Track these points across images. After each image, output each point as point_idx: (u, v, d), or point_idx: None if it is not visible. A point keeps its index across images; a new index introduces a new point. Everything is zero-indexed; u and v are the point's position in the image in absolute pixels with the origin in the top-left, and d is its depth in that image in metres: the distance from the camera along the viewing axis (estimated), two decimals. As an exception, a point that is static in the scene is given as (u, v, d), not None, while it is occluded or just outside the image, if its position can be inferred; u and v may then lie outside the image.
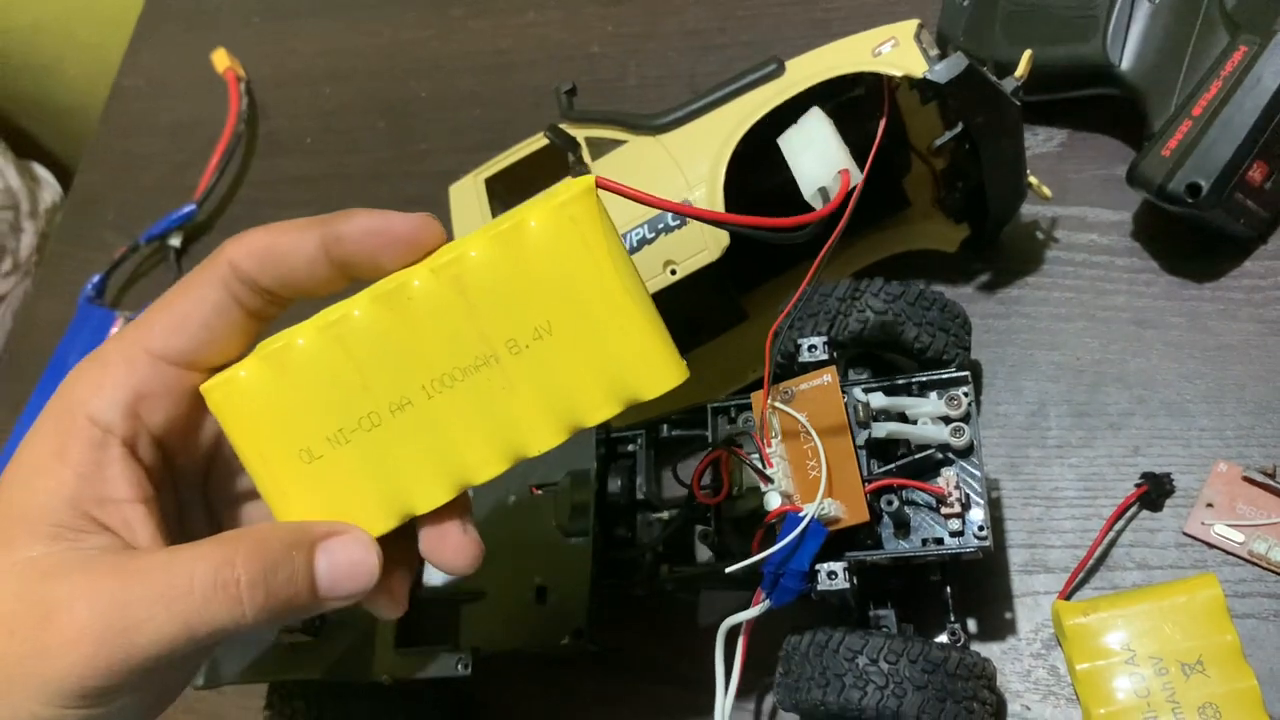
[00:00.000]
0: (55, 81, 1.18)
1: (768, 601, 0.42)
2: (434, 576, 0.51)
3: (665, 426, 0.51)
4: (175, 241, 0.77)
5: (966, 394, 0.44)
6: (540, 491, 0.51)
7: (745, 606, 0.48)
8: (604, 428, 0.51)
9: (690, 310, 0.57)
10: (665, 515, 0.50)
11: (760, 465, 0.44)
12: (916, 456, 0.44)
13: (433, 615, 0.50)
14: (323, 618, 0.49)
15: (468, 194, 0.52)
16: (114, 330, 0.72)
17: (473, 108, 0.74)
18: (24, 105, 1.21)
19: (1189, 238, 0.54)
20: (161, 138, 0.85)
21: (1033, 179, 0.52)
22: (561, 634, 0.47)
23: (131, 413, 0.33)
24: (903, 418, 0.45)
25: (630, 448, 0.52)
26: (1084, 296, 0.55)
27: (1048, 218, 0.57)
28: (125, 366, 0.33)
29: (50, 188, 1.14)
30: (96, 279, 0.75)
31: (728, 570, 0.41)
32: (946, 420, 0.44)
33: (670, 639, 0.54)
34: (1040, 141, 0.59)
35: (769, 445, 0.45)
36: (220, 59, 0.80)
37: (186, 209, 0.76)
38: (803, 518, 0.41)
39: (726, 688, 0.44)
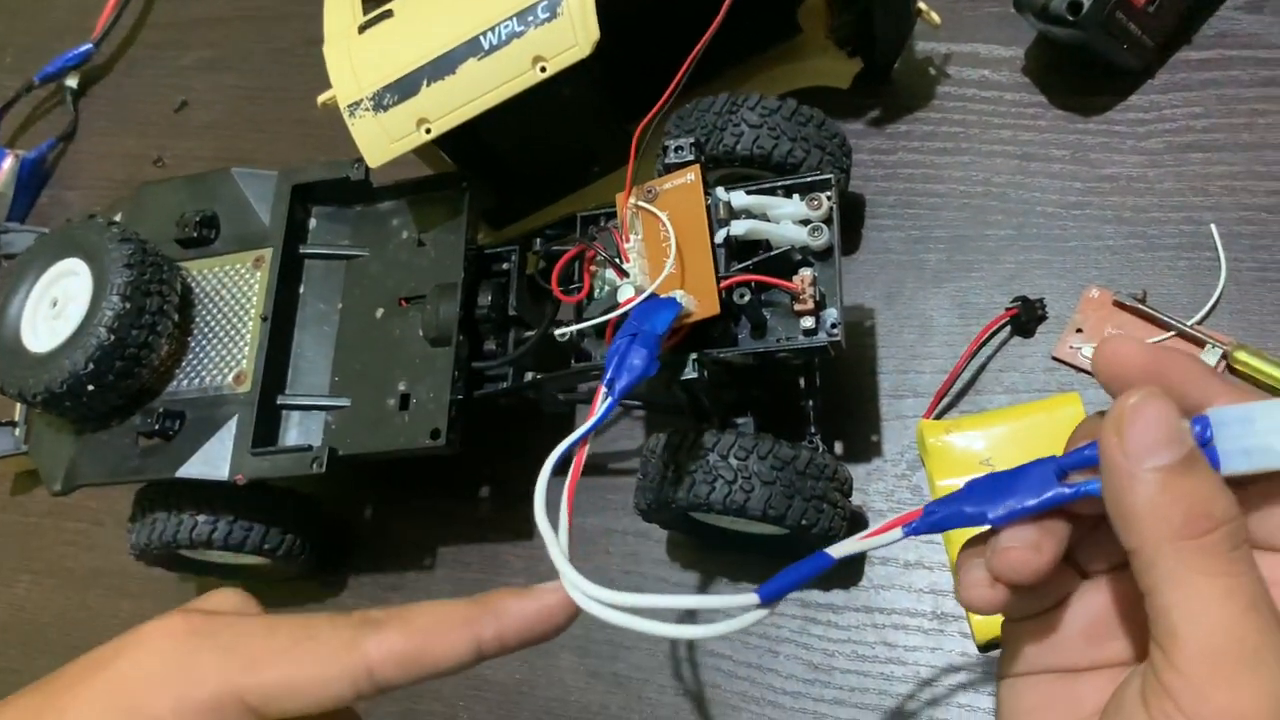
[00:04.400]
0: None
1: (604, 408, 0.37)
2: (298, 385, 0.50)
3: (538, 240, 0.51)
4: (72, 82, 0.75)
5: (829, 196, 0.44)
6: (408, 305, 0.50)
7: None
8: (474, 242, 0.50)
9: (581, 142, 0.56)
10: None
11: (618, 261, 0.44)
12: (773, 253, 0.43)
13: (294, 423, 0.50)
14: (181, 419, 0.49)
15: (341, -4, 0.51)
16: (5, 165, 0.70)
17: (379, -51, 0.72)
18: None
19: (1077, 72, 0.53)
20: (64, -19, 0.82)
21: (921, 5, 0.51)
22: (421, 437, 0.47)
23: None
24: (765, 219, 0.44)
25: (504, 265, 0.51)
26: (971, 131, 0.54)
27: (941, 54, 0.56)
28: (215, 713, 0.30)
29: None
30: (-10, 117, 0.74)
31: (558, 334, 0.41)
32: (807, 223, 0.44)
33: (541, 459, 0.54)
34: (939, -21, 0.58)
35: (627, 242, 0.44)
36: (124, -102, 0.78)
37: (82, 48, 0.74)
38: (648, 292, 0.40)
39: (557, 530, 0.33)
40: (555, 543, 0.32)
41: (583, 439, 0.35)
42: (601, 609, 0.30)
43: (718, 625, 0.31)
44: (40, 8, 0.82)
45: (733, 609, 0.30)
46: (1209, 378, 0.28)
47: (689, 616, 0.47)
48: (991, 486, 0.29)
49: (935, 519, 0.30)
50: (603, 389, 0.37)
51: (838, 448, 0.50)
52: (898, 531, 0.30)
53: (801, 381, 0.49)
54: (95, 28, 0.76)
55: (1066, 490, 0.28)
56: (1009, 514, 0.28)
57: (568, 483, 0.34)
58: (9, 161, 0.70)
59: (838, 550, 0.31)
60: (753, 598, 0.30)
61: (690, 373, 0.42)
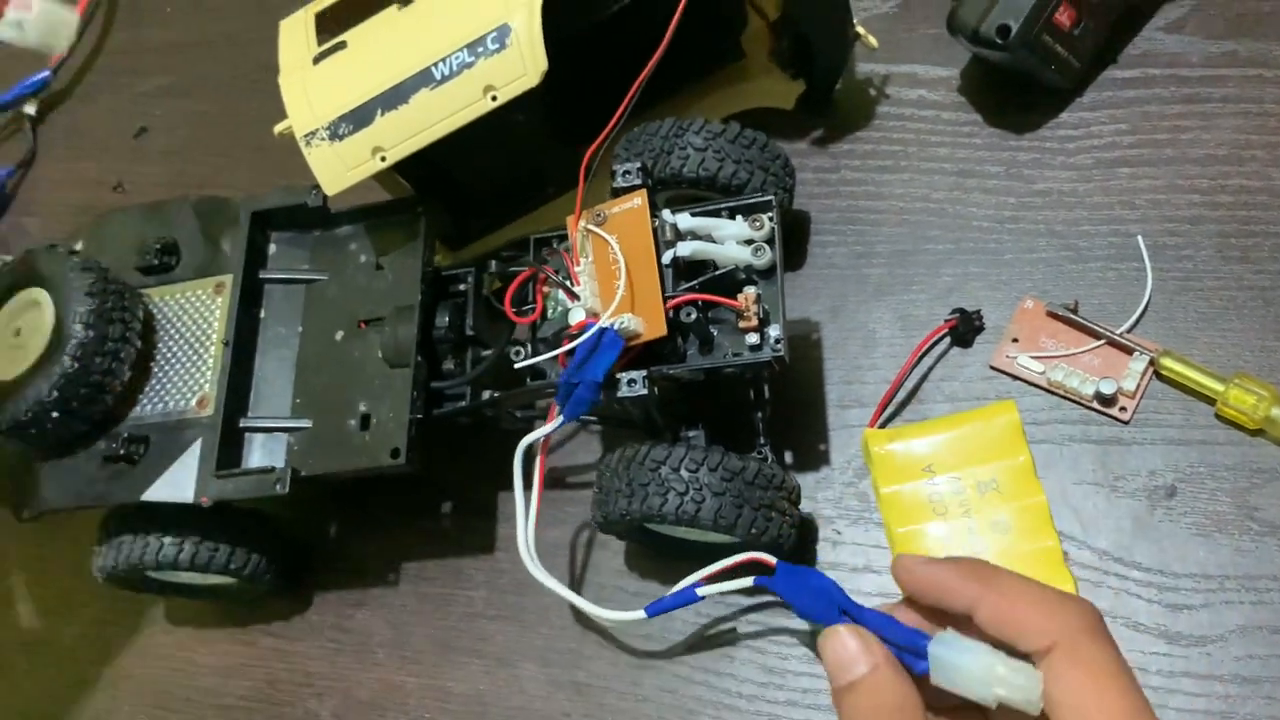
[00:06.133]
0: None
1: (561, 416, 0.43)
2: (260, 407, 0.51)
3: (494, 263, 0.52)
4: (30, 109, 0.75)
5: (770, 217, 0.46)
6: (367, 327, 0.51)
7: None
8: (430, 264, 0.52)
9: (534, 165, 0.57)
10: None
11: (569, 284, 0.45)
12: (717, 273, 0.45)
13: (257, 446, 0.51)
14: (145, 444, 0.50)
15: (296, 27, 0.52)
16: None
17: (334, -26, 0.74)
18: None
19: (1010, 91, 0.55)
20: (21, 9, 0.83)
21: (859, 28, 0.53)
22: (381, 456, 0.48)
23: None
24: (710, 240, 0.46)
25: (461, 286, 0.53)
26: (910, 149, 0.56)
27: (880, 75, 0.58)
28: None
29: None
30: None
31: (516, 366, 0.42)
32: (750, 243, 0.46)
33: (503, 477, 0.55)
34: (878, 2, 0.60)
35: (577, 265, 0.45)
36: (80, -72, 0.79)
37: (40, 75, 0.74)
38: (597, 326, 0.42)
39: (527, 504, 0.46)
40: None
41: (545, 436, 0.43)
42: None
43: (629, 614, 0.44)
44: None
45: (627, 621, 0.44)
46: (971, 585, 0.34)
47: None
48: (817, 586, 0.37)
49: (778, 586, 0.38)
50: (555, 405, 0.40)
51: (787, 457, 0.52)
52: (749, 580, 0.39)
53: (751, 394, 0.51)
54: (53, 55, 0.76)
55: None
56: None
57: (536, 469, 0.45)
58: None
59: (704, 590, 0.42)
60: (641, 614, 0.43)
61: (640, 389, 0.43)
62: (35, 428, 0.49)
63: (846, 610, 0.37)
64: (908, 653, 0.34)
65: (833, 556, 0.50)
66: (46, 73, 0.74)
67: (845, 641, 0.35)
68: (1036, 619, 0.33)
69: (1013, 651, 0.33)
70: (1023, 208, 0.54)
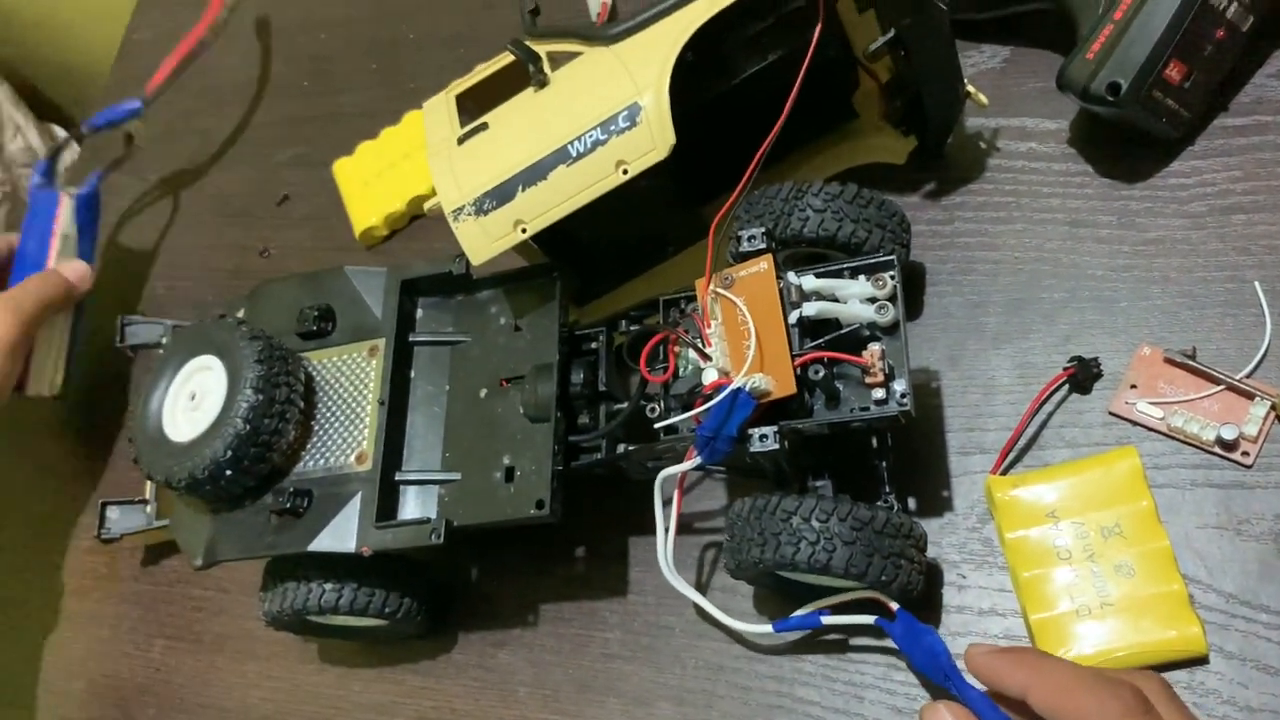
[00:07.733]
0: (73, 45, 1.22)
1: (699, 458, 0.46)
2: (412, 461, 0.55)
3: (624, 322, 0.55)
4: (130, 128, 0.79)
5: (892, 276, 0.48)
6: (509, 384, 0.55)
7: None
8: (566, 325, 0.55)
9: (655, 226, 0.61)
10: (625, 405, 0.54)
11: (700, 345, 0.48)
12: (843, 332, 0.47)
13: (411, 497, 0.54)
14: (309, 497, 0.54)
15: (439, 109, 0.56)
16: (62, 206, 0.73)
17: (458, 47, 0.78)
18: (45, 70, 1.26)
19: (1120, 142, 0.57)
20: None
21: (970, 87, 0.55)
22: (527, 507, 0.51)
23: None
24: (834, 299, 0.48)
25: (593, 345, 0.56)
26: (1022, 200, 0.58)
27: (990, 129, 0.60)
28: None
29: (70, 149, 1.19)
30: (42, 164, 0.75)
31: (656, 426, 0.45)
32: (873, 301, 0.48)
33: (633, 524, 0.58)
34: (986, 58, 0.62)
35: (708, 327, 0.48)
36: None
37: (132, 104, 0.77)
38: (731, 388, 0.45)
39: (667, 520, 0.50)
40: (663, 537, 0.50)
41: (683, 472, 0.48)
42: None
43: (761, 627, 0.51)
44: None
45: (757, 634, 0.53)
46: (1020, 673, 0.39)
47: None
48: (929, 646, 0.46)
49: (896, 632, 0.47)
50: (694, 449, 0.45)
51: (911, 503, 0.54)
52: (871, 619, 0.47)
53: (874, 442, 0.53)
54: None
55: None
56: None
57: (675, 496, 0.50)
58: (63, 204, 0.73)
59: (828, 619, 0.49)
60: (769, 628, 0.51)
61: (772, 444, 0.46)
62: (210, 484, 0.53)
63: (950, 678, 0.43)
64: None
65: (958, 600, 0.51)
66: (138, 103, 0.77)
67: (943, 717, 0.41)
68: (1082, 706, 0.37)
69: None
70: (1136, 255, 0.55)
